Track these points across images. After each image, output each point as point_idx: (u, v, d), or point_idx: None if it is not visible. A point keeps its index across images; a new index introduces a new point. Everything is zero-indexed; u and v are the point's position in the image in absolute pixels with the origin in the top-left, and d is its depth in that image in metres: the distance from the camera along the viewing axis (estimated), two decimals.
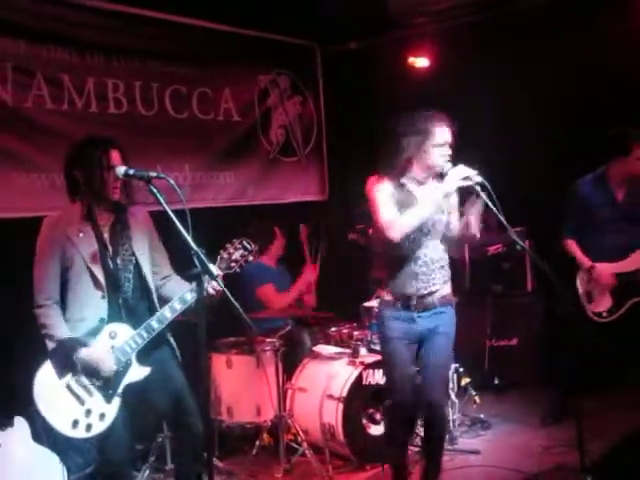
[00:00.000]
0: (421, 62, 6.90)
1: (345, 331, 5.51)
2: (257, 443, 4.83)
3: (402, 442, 4.16)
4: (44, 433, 4.16)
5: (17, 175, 4.98)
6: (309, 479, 4.76)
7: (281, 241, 5.89)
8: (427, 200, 3.83)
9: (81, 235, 3.50)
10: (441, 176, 3.86)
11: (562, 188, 5.25)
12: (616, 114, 5.28)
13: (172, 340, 3.73)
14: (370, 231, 6.06)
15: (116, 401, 3.48)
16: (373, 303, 5.58)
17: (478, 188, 3.73)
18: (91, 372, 3.43)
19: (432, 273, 3.94)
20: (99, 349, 3.44)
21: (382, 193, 3.89)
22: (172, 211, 3.13)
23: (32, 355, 3.69)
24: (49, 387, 3.43)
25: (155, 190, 3.17)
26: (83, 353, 3.40)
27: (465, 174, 3.74)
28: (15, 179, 4.98)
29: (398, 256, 3.92)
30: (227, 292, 3.27)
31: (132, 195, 3.63)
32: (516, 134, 6.03)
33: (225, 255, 3.58)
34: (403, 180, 3.92)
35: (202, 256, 3.05)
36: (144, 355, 3.54)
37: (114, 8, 5.50)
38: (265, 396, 4.92)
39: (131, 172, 3.32)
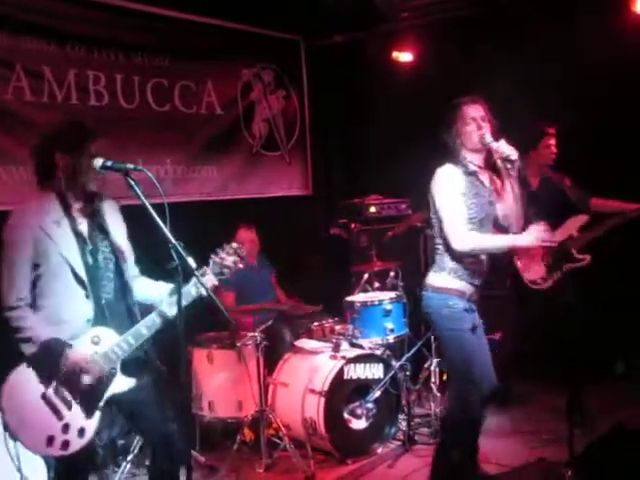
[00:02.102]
0: (405, 57, 6.90)
1: (327, 326, 5.49)
2: (238, 438, 4.79)
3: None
4: None
5: None
6: (291, 474, 4.73)
7: (247, 235, 5.80)
8: (506, 240, 3.87)
9: (57, 227, 3.20)
10: (489, 153, 3.89)
11: None
12: (599, 110, 5.31)
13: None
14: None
15: (97, 415, 3.19)
16: (356, 297, 5.58)
17: (516, 165, 3.80)
18: (75, 380, 3.13)
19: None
20: (85, 353, 3.16)
21: (449, 182, 3.85)
22: (152, 205, 3.04)
23: None
24: (20, 399, 3.10)
25: (133, 183, 3.09)
26: (71, 356, 3.12)
27: (507, 152, 3.77)
28: None
29: None
30: (207, 289, 3.21)
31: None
32: (500, 129, 6.03)
33: (217, 259, 3.40)
34: (469, 166, 3.90)
35: (180, 249, 2.98)
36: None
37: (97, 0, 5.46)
38: (247, 391, 4.91)
39: (109, 164, 3.15)
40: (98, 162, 3.19)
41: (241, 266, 3.47)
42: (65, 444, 3.11)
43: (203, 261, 3.40)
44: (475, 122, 3.88)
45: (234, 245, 3.44)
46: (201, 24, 6.27)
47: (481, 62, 6.02)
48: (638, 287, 5.67)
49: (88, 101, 5.50)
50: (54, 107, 5.26)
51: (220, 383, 4.99)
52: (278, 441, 4.89)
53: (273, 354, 5.23)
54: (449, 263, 3.91)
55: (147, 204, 3.03)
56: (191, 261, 3.03)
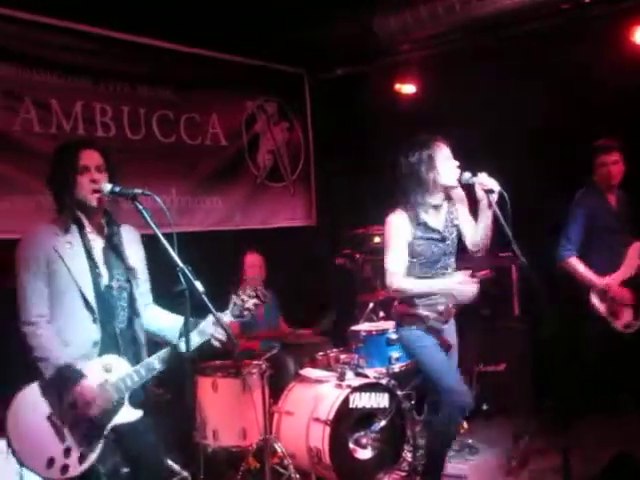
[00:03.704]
0: (408, 89, 6.99)
1: (332, 355, 5.47)
2: (242, 467, 4.77)
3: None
4: None
5: (1, 198, 5.00)
6: None
7: (254, 260, 5.86)
8: (442, 284, 4.03)
9: (68, 247, 3.21)
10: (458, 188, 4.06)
11: (546, 210, 5.29)
12: (597, 135, 5.35)
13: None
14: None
15: (100, 443, 3.18)
16: (360, 326, 5.58)
17: (495, 197, 3.83)
18: (81, 409, 3.11)
19: None
20: (96, 384, 3.15)
21: (398, 230, 4.02)
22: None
23: None
24: (27, 417, 3.09)
25: (141, 207, 3.13)
26: (82, 387, 3.10)
27: (490, 184, 3.84)
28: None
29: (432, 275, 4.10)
30: (215, 313, 3.18)
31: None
32: (503, 159, 6.07)
33: (238, 302, 3.46)
34: (419, 209, 4.02)
35: (188, 272, 2.99)
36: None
37: (103, 33, 5.57)
38: (251, 419, 4.88)
39: (117, 190, 3.21)
40: (106, 188, 3.24)
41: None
42: (64, 468, 3.09)
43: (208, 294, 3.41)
44: (449, 162, 4.00)
45: (257, 289, 3.52)
46: (206, 57, 6.37)
47: (483, 94, 6.08)
48: None
49: (95, 132, 5.57)
50: (62, 138, 5.28)
51: (224, 412, 4.96)
52: (283, 470, 4.85)
53: (278, 383, 5.22)
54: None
55: (155, 228, 3.06)
56: (199, 285, 3.03)
